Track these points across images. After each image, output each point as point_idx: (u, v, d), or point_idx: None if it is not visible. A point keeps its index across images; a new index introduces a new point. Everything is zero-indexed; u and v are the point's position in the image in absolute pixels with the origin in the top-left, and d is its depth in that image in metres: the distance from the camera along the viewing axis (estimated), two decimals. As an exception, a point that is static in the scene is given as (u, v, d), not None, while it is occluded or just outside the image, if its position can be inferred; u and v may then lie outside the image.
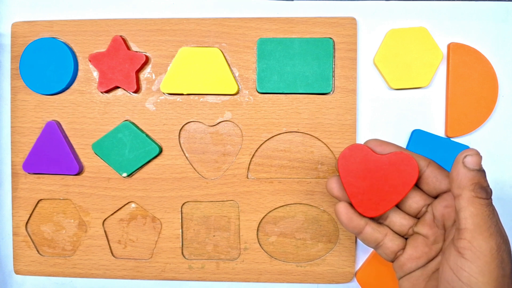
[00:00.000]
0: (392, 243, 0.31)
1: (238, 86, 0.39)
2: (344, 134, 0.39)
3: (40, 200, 0.41)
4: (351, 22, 0.39)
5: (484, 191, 0.26)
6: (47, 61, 0.40)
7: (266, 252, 0.41)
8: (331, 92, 0.39)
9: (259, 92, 0.39)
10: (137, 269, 0.41)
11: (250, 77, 0.39)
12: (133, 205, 0.41)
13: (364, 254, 0.41)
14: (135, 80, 0.39)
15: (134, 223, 0.41)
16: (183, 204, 0.41)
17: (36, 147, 0.40)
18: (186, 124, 0.40)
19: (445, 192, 0.29)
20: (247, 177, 0.40)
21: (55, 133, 0.40)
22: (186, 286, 0.42)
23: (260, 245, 0.40)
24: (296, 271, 0.40)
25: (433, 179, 0.29)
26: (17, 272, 0.42)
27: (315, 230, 0.40)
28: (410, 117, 0.40)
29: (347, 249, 0.40)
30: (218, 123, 0.40)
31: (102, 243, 0.41)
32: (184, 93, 0.39)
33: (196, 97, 0.40)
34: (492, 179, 0.40)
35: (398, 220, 0.31)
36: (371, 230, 0.31)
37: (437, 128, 0.40)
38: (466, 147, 0.39)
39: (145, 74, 0.40)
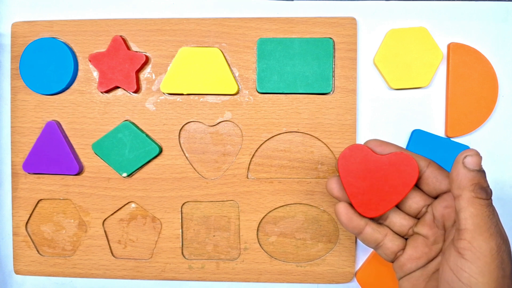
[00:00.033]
0: (392, 243, 0.31)
1: (238, 86, 0.39)
2: (344, 134, 0.39)
3: (40, 200, 0.41)
4: (351, 22, 0.39)
5: (484, 191, 0.26)
6: (47, 61, 0.40)
7: (266, 252, 0.41)
8: (331, 92, 0.39)
9: (259, 92, 0.39)
10: (137, 269, 0.41)
11: (250, 77, 0.39)
12: (133, 205, 0.41)
13: (364, 254, 0.41)
14: (135, 80, 0.39)
15: (134, 223, 0.41)
16: (183, 204, 0.41)
17: (36, 147, 0.40)
18: (186, 124, 0.40)
19: (445, 192, 0.29)
20: (247, 177, 0.40)
21: (55, 133, 0.40)
22: (186, 286, 0.42)
23: (260, 245, 0.40)
24: (296, 271, 0.40)
25: (433, 179, 0.29)
26: (17, 272, 0.42)
27: (315, 230, 0.40)
28: (410, 117, 0.40)
29: (347, 249, 0.40)
30: (218, 123, 0.40)
31: (102, 243, 0.41)
32: (184, 93, 0.39)
33: (196, 97, 0.40)
34: (492, 179, 0.40)
35: (398, 220, 0.31)
36: (371, 230, 0.31)
37: (437, 128, 0.40)
38: (466, 147, 0.39)
39: (145, 74, 0.40)
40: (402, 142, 0.40)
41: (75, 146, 0.41)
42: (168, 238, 0.41)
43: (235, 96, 0.40)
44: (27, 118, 0.41)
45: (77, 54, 0.40)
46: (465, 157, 0.26)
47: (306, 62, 0.39)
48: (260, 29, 0.39)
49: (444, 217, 0.29)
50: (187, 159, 0.40)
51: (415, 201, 0.30)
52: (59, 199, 0.41)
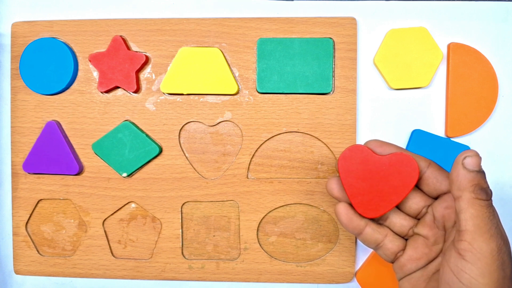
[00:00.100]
0: (392, 244, 0.31)
1: (238, 86, 0.39)
2: (344, 134, 0.39)
3: (40, 200, 0.41)
4: (351, 22, 0.39)
5: (484, 192, 0.26)
6: (47, 61, 0.40)
7: (266, 252, 0.41)
8: (331, 92, 0.39)
9: (259, 92, 0.39)
10: (137, 269, 0.41)
11: (250, 77, 0.39)
12: (133, 205, 0.41)
13: (364, 254, 0.41)
14: (135, 80, 0.39)
15: (134, 223, 0.41)
16: (183, 204, 0.41)
17: (36, 147, 0.40)
18: (186, 124, 0.40)
19: (445, 193, 0.29)
20: (247, 177, 0.40)
21: (55, 133, 0.40)
22: (186, 286, 0.42)
23: (260, 245, 0.40)
24: (296, 271, 0.40)
25: (434, 180, 0.29)
26: (17, 272, 0.42)
27: (315, 230, 0.40)
28: (410, 117, 0.40)
29: (347, 249, 0.40)
30: (218, 123, 0.40)
31: (102, 243, 0.41)
32: (184, 93, 0.39)
33: (196, 97, 0.40)
34: (492, 179, 0.40)
35: (398, 221, 0.31)
36: (371, 231, 0.31)
37: (437, 128, 0.40)
38: (466, 147, 0.39)
39: (145, 74, 0.40)
40: (402, 142, 0.40)
41: (75, 146, 0.41)
42: (168, 238, 0.41)
43: (235, 96, 0.40)
44: (27, 118, 0.41)
45: (77, 54, 0.40)
46: (464, 158, 0.26)
47: (306, 62, 0.39)
48: (260, 29, 0.39)
49: (444, 218, 0.29)
50: (187, 159, 0.40)
51: (415, 202, 0.30)
52: (59, 199, 0.41)
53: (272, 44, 0.39)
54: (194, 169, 0.40)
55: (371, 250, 0.40)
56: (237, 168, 0.40)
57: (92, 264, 0.41)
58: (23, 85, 0.40)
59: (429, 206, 0.30)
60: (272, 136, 0.40)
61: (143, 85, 0.40)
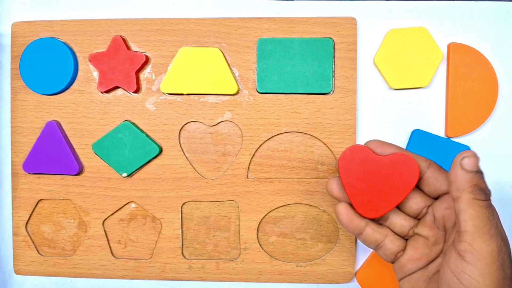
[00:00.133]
0: (392, 244, 0.31)
1: (238, 86, 0.39)
2: (344, 134, 0.39)
3: (40, 200, 0.41)
4: (351, 22, 0.39)
5: (483, 192, 0.26)
6: (47, 61, 0.40)
7: (266, 252, 0.41)
8: (331, 92, 0.39)
9: (259, 92, 0.39)
10: (137, 269, 0.41)
11: (250, 77, 0.39)
12: (133, 205, 0.41)
13: (364, 254, 0.41)
14: (135, 80, 0.39)
15: (134, 223, 0.41)
16: (183, 204, 0.41)
17: (36, 147, 0.40)
18: (186, 124, 0.40)
19: (445, 193, 0.29)
20: (247, 177, 0.40)
21: (55, 133, 0.40)
22: (186, 286, 0.42)
23: (260, 245, 0.40)
24: (296, 271, 0.40)
25: (434, 180, 0.29)
26: (17, 272, 0.42)
27: (315, 230, 0.40)
28: (410, 117, 0.40)
29: (347, 249, 0.40)
30: (218, 123, 0.40)
31: (102, 243, 0.41)
32: (184, 93, 0.39)
33: (196, 97, 0.40)
34: (492, 179, 0.40)
35: (399, 221, 0.31)
36: (371, 231, 0.31)
37: (437, 128, 0.40)
38: (466, 147, 0.39)
39: (145, 74, 0.40)
40: (402, 142, 0.40)
41: (75, 146, 0.41)
42: (168, 238, 0.41)
43: (235, 96, 0.40)
44: (27, 118, 0.41)
45: (77, 54, 0.40)
46: (462, 158, 0.26)
47: (306, 62, 0.39)
48: (260, 29, 0.39)
49: (444, 218, 0.29)
50: (187, 159, 0.40)
51: (416, 202, 0.30)
52: (59, 199, 0.41)
53: (272, 44, 0.39)
54: (194, 169, 0.40)
55: (371, 250, 0.40)
56: (237, 168, 0.40)
57: (92, 264, 0.41)
58: (23, 85, 0.40)
59: (429, 206, 0.30)
60: (272, 136, 0.40)
61: (143, 85, 0.40)
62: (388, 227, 0.31)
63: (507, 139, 0.40)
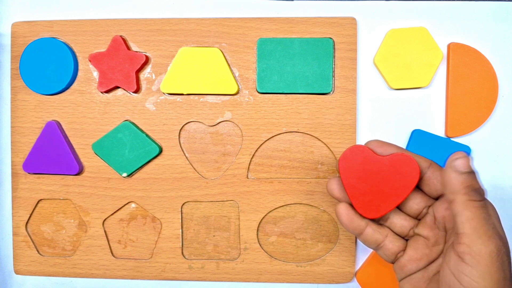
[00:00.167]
0: (392, 244, 0.31)
1: (238, 86, 0.39)
2: (344, 134, 0.39)
3: (40, 200, 0.41)
4: (351, 22, 0.39)
5: (477, 193, 0.26)
6: (47, 61, 0.40)
7: (266, 252, 0.41)
8: (331, 92, 0.39)
9: (259, 92, 0.39)
10: (137, 269, 0.41)
11: (250, 77, 0.39)
12: (133, 205, 0.41)
13: (364, 254, 0.41)
14: (135, 80, 0.39)
15: (134, 223, 0.41)
16: (183, 204, 0.41)
17: (36, 147, 0.40)
18: (186, 124, 0.40)
19: (446, 194, 0.29)
20: (247, 177, 0.40)
21: (55, 133, 0.40)
22: (186, 286, 0.42)
23: (260, 245, 0.40)
24: (296, 271, 0.40)
25: (434, 180, 0.29)
26: (17, 272, 0.42)
27: (315, 230, 0.40)
28: (410, 117, 0.40)
29: (347, 249, 0.40)
30: (218, 123, 0.40)
31: (102, 243, 0.41)
32: (184, 93, 0.39)
33: (196, 97, 0.40)
34: (492, 179, 0.40)
35: (399, 221, 0.31)
36: (371, 231, 0.31)
37: (437, 128, 0.40)
38: (466, 147, 0.39)
39: (145, 74, 0.40)
40: (402, 142, 0.40)
41: (75, 146, 0.41)
42: (168, 238, 0.41)
43: (235, 96, 0.40)
44: (27, 118, 0.41)
45: (77, 54, 0.40)
46: (454, 160, 0.26)
47: (306, 62, 0.39)
48: (260, 29, 0.39)
49: (445, 219, 0.29)
50: (187, 159, 0.40)
51: (416, 202, 0.30)
52: (59, 199, 0.41)
53: (272, 44, 0.39)
54: (194, 169, 0.40)
55: (371, 250, 0.40)
56: (237, 168, 0.40)
57: (92, 264, 0.41)
58: (23, 85, 0.40)
59: (429, 206, 0.30)
60: (272, 136, 0.40)
61: (143, 85, 0.40)
62: (389, 227, 0.31)
63: (507, 139, 0.40)
